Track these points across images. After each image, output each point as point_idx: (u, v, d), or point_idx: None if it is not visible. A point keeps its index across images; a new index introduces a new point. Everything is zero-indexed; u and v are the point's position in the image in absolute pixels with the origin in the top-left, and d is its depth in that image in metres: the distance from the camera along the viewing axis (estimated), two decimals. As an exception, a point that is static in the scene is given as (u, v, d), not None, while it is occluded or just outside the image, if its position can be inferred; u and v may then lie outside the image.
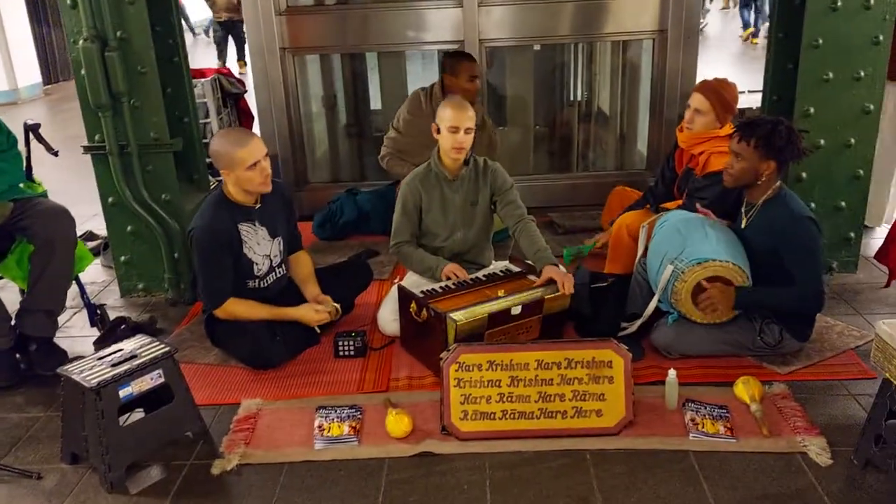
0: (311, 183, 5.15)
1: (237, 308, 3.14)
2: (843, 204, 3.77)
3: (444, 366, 2.67)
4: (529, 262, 3.36)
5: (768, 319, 3.06)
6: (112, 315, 3.65)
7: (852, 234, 3.84)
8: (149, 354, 2.60)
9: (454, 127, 3.23)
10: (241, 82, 5.28)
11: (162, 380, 2.61)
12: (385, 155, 4.45)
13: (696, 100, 3.51)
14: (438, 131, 3.30)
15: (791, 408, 2.77)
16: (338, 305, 3.31)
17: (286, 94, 4.79)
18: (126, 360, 2.56)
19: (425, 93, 4.41)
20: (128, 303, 3.96)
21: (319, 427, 2.73)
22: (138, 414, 2.74)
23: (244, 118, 5.39)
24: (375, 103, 5.47)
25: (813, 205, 3.69)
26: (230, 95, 5.17)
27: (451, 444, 2.64)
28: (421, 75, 5.41)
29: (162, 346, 2.66)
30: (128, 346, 2.66)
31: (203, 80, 4.76)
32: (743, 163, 2.95)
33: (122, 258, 3.92)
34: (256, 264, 3.21)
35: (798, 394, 2.88)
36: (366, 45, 4.88)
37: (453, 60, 4.31)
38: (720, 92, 3.49)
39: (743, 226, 3.10)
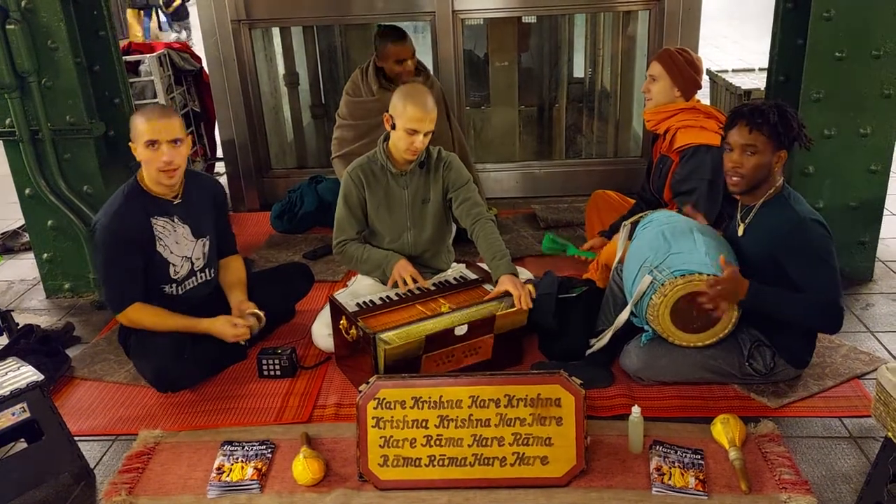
0: (274, 170, 4.71)
1: (142, 315, 2.74)
2: (856, 202, 3.27)
3: (361, 402, 2.26)
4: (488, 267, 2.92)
5: (759, 342, 2.60)
6: (26, 321, 3.27)
7: (867, 237, 3.34)
8: (11, 385, 2.21)
9: (412, 129, 2.76)
10: (197, 58, 4.83)
11: (27, 415, 2.23)
12: (334, 155, 3.96)
13: (650, 67, 3.16)
14: (393, 126, 2.84)
15: (778, 454, 2.32)
16: (261, 313, 2.89)
17: (241, 73, 4.34)
18: (-18, 391, 2.18)
19: (362, 70, 3.90)
20: (52, 305, 3.58)
21: (219, 469, 2.34)
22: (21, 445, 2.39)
23: (209, 97, 4.94)
24: (343, 81, 4.98)
25: (822, 203, 3.20)
26: (185, 73, 4.74)
27: (367, 494, 2.24)
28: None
29: (30, 373, 2.27)
30: (-7, 372, 2.29)
31: (149, 55, 4.34)
32: (758, 157, 2.44)
33: (45, 256, 3.53)
34: (173, 265, 2.81)
35: (789, 433, 2.46)
36: (329, 16, 4.39)
37: (379, 40, 3.75)
38: (674, 55, 3.10)
39: (740, 233, 2.62)
